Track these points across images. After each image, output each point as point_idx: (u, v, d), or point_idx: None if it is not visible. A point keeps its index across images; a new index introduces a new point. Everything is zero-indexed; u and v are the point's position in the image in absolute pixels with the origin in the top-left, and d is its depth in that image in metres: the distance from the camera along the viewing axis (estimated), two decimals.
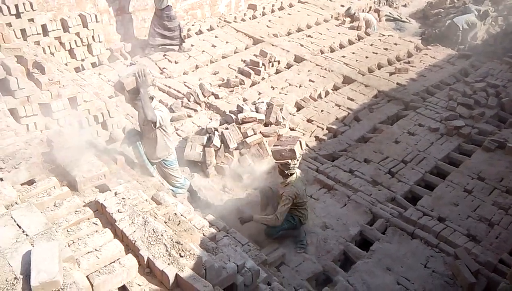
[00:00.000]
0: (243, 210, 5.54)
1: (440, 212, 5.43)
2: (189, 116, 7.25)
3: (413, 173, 6.16)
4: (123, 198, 3.52)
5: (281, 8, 11.87)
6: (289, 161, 4.72)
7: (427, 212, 5.41)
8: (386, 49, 9.88)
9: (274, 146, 4.99)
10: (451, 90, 8.10)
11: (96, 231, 2.99)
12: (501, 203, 5.55)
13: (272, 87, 8.25)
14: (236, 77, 8.39)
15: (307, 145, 6.71)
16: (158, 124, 4.79)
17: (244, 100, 7.67)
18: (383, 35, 10.56)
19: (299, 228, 5.11)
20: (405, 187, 5.90)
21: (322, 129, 7.25)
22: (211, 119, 7.10)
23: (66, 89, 5.92)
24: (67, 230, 2.94)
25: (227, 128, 6.35)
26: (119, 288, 2.80)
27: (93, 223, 3.06)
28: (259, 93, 7.98)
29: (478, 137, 6.87)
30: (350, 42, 10.30)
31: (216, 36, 9.93)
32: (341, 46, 10.09)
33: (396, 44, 10.13)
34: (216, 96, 7.72)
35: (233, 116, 6.63)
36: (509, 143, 6.51)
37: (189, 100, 7.47)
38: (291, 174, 4.91)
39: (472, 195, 5.72)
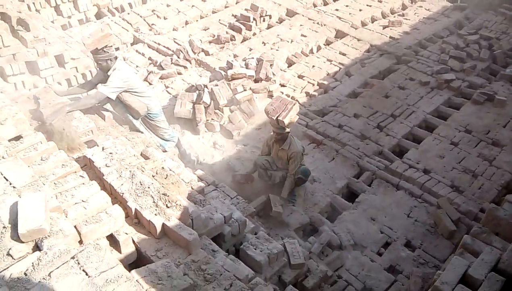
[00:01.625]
0: (233, 166, 5.65)
1: (426, 164, 5.55)
2: (179, 73, 7.20)
3: (401, 126, 6.23)
4: (110, 153, 3.60)
5: None
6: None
7: (413, 165, 5.53)
8: (380, 1, 9.67)
9: (268, 111, 4.84)
10: (443, 43, 8.03)
11: (83, 184, 3.08)
12: (486, 154, 5.66)
13: (263, 43, 8.15)
14: (227, 33, 8.26)
15: (297, 101, 6.73)
16: (114, 97, 4.65)
17: (235, 56, 7.60)
18: None
19: None
20: (392, 141, 5.99)
21: (313, 85, 7.24)
22: (201, 76, 7.07)
23: (52, 46, 5.86)
24: (54, 183, 3.03)
25: (216, 85, 6.34)
26: (107, 237, 2.93)
27: (80, 176, 3.15)
28: (250, 49, 7.90)
29: (468, 90, 6.89)
30: None
31: None
32: None
33: None
34: (206, 53, 7.64)
35: (223, 73, 6.60)
36: (498, 96, 6.55)
37: (178, 57, 7.39)
38: (288, 134, 4.95)
39: (458, 147, 5.82)
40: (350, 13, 9.13)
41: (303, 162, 5.16)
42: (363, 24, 8.87)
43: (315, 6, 9.48)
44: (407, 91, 6.94)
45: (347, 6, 9.46)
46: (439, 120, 6.37)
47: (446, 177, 5.37)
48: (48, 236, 2.46)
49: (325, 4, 9.66)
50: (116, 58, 4.74)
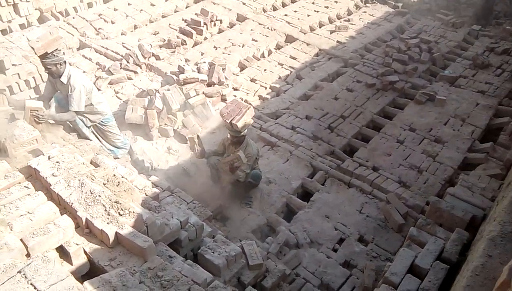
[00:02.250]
0: (189, 171, 5.61)
1: (374, 162, 5.78)
2: (129, 78, 7.04)
3: (351, 127, 6.45)
4: (57, 162, 3.46)
5: None
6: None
7: (363, 163, 5.74)
8: (327, 7, 9.98)
9: (223, 114, 4.86)
10: (387, 47, 8.41)
11: (28, 195, 2.94)
12: (429, 151, 5.98)
13: (215, 47, 8.15)
14: (178, 37, 8.17)
15: (250, 104, 6.78)
16: (77, 110, 4.71)
17: (187, 61, 7.54)
18: None
19: None
20: (343, 141, 6.19)
21: (265, 88, 7.34)
22: (152, 81, 6.95)
23: None
24: None
25: (168, 90, 6.27)
26: (57, 249, 2.81)
27: (25, 186, 3.00)
28: (202, 54, 7.87)
29: (411, 91, 7.26)
30: (293, 1, 10.27)
31: None
32: (284, 5, 10.07)
33: (336, 2, 10.25)
34: (157, 58, 7.52)
35: (175, 77, 6.54)
36: (438, 96, 6.95)
37: (128, 62, 7.22)
38: (244, 137, 4.98)
39: (404, 145, 6.12)
40: (298, 18, 9.36)
41: (257, 166, 5.21)
42: (312, 29, 9.12)
43: (264, 11, 9.63)
44: (355, 93, 7.20)
45: (295, 11, 9.69)
46: (385, 120, 6.67)
47: (393, 173, 5.63)
48: None
49: (274, 9, 9.84)
50: (65, 62, 4.60)
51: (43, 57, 4.40)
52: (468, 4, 10.33)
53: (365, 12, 10.10)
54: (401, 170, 5.69)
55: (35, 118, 4.33)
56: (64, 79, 4.49)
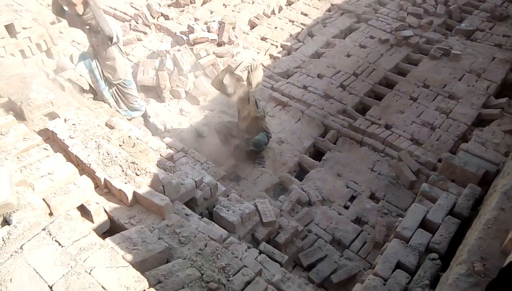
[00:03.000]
0: (201, 132, 5.66)
1: (387, 119, 5.75)
2: (139, 39, 6.98)
3: (363, 84, 6.37)
4: (73, 124, 3.53)
5: None
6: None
7: (375, 121, 5.71)
8: None
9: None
10: (401, 0, 8.12)
11: (48, 156, 3.03)
12: (443, 107, 5.91)
13: (224, 5, 7.97)
14: None
15: (262, 64, 6.71)
16: (115, 39, 4.61)
17: (196, 19, 7.41)
18: None
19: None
20: (355, 99, 6.14)
21: (276, 47, 7.22)
22: (162, 41, 6.88)
23: (1, 16, 5.50)
24: (17, 157, 2.96)
25: (179, 50, 6.21)
26: (78, 208, 2.92)
27: (44, 148, 3.08)
28: (211, 12, 7.72)
29: (426, 46, 7.07)
30: None
31: None
32: None
33: None
34: (166, 17, 7.41)
35: (185, 37, 6.45)
36: (454, 51, 6.77)
37: (137, 23, 7.14)
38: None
39: (417, 102, 6.04)
40: None
41: (266, 126, 5.19)
42: None
43: None
44: (367, 50, 7.05)
45: None
46: (398, 77, 6.56)
47: (406, 131, 5.60)
48: (16, 210, 2.43)
49: None
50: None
51: (84, 14, 4.37)
52: None
53: None
54: (413, 127, 5.66)
55: None
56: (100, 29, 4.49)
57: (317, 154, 5.59)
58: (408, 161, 5.02)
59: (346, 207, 4.74)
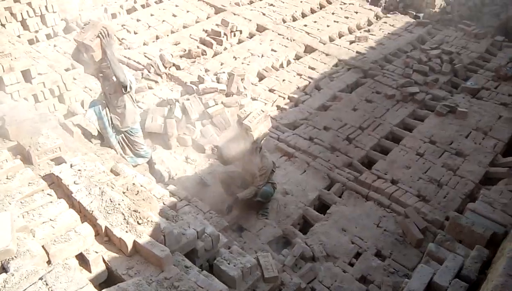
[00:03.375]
0: (206, 180, 5.65)
1: (393, 174, 5.72)
2: (150, 88, 7.18)
3: (369, 138, 6.40)
4: (79, 170, 3.54)
5: None
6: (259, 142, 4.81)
7: (381, 175, 5.68)
8: (347, 17, 9.97)
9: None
10: (407, 58, 8.35)
11: (51, 202, 3.02)
12: (450, 164, 5.88)
13: (234, 57, 8.24)
14: (198, 47, 8.31)
15: (269, 115, 6.81)
16: (129, 89, 4.73)
17: (206, 71, 7.64)
18: (344, 4, 10.62)
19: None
20: (361, 152, 6.15)
21: (284, 98, 7.37)
22: (172, 90, 7.07)
23: (18, 62, 5.72)
24: (21, 202, 2.95)
25: (188, 99, 6.36)
26: (76, 256, 2.87)
27: (48, 194, 3.08)
28: (221, 64, 7.97)
29: (432, 102, 7.17)
30: (312, 11, 10.33)
31: (176, 6, 9.72)
32: (303, 15, 10.12)
33: (356, 12, 10.23)
34: (178, 67, 7.65)
35: (194, 87, 6.63)
36: (460, 108, 6.84)
37: (149, 72, 7.38)
38: (261, 148, 5.02)
39: (423, 157, 6.03)
40: (318, 29, 9.38)
41: (272, 179, 5.20)
42: (331, 39, 9.13)
43: (284, 21, 9.69)
44: (374, 104, 7.16)
45: (315, 22, 9.72)
46: (405, 132, 6.59)
47: (412, 186, 5.55)
48: (15, 257, 2.39)
49: (294, 20, 9.89)
50: None
51: (100, 62, 4.51)
52: (491, 14, 10.16)
53: (385, 22, 10.05)
54: (420, 183, 5.61)
55: (101, 34, 4.37)
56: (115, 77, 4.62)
57: (322, 206, 5.52)
58: (414, 218, 4.93)
59: (351, 264, 4.60)
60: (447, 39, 9.20)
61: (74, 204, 3.29)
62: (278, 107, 7.20)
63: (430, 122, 6.73)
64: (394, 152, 6.15)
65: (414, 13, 10.40)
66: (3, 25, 7.39)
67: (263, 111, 4.86)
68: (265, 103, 7.14)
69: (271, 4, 10.28)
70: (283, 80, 7.76)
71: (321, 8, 10.45)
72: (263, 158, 4.99)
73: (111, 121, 5.03)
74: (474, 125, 6.60)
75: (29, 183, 3.15)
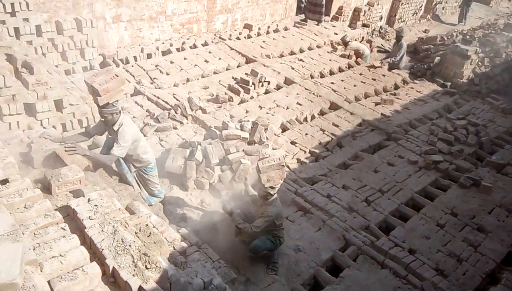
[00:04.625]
0: (218, 227, 5.56)
1: (411, 243, 5.51)
2: (175, 128, 7.29)
3: (388, 202, 6.26)
4: (95, 205, 3.54)
5: (276, 31, 12.10)
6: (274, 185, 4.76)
7: (399, 243, 5.49)
8: (374, 79, 10.12)
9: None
10: (433, 125, 8.31)
11: (64, 236, 3.00)
12: (471, 240, 5.66)
13: (260, 106, 8.37)
14: (225, 93, 8.50)
15: (288, 167, 6.79)
16: (124, 155, 4.81)
17: (231, 117, 7.76)
18: (373, 66, 10.81)
19: (278, 249, 5.15)
20: (379, 216, 5.99)
21: (305, 152, 7.36)
22: (195, 133, 7.16)
23: (53, 91, 5.95)
24: (34, 233, 2.94)
25: (210, 143, 6.41)
26: None
27: (61, 228, 3.07)
28: (246, 111, 8.09)
29: (455, 173, 7.03)
30: (340, 70, 10.53)
31: (209, 52, 10.07)
32: (331, 73, 10.32)
33: (384, 75, 10.39)
34: (204, 111, 7.79)
35: (218, 132, 6.70)
36: (484, 182, 6.68)
37: (176, 112, 7.52)
38: (273, 195, 4.95)
39: (444, 229, 5.83)
40: (344, 88, 9.52)
41: (283, 235, 5.10)
42: (357, 99, 9.22)
43: (312, 77, 9.89)
44: (396, 168, 7.06)
45: (342, 80, 9.88)
46: (426, 200, 6.43)
47: (431, 258, 5.32)
48: None
49: (322, 76, 10.08)
50: (120, 112, 4.73)
51: (103, 106, 4.50)
52: None
53: (412, 88, 10.14)
54: (439, 256, 5.39)
55: (65, 149, 4.32)
56: (115, 127, 4.69)
57: (335, 268, 5.32)
58: None
59: None
60: (474, 111, 9.18)
61: (86, 240, 3.26)
62: (298, 160, 7.17)
63: (453, 193, 6.57)
64: (414, 220, 5.96)
65: (442, 82, 10.49)
66: (44, 54, 7.75)
67: (279, 159, 4.82)
68: (286, 155, 7.13)
69: (301, 60, 10.55)
70: (306, 134, 7.79)
71: (349, 68, 10.65)
72: (268, 206, 4.89)
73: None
74: (498, 201, 6.40)
75: (45, 215, 3.15)
